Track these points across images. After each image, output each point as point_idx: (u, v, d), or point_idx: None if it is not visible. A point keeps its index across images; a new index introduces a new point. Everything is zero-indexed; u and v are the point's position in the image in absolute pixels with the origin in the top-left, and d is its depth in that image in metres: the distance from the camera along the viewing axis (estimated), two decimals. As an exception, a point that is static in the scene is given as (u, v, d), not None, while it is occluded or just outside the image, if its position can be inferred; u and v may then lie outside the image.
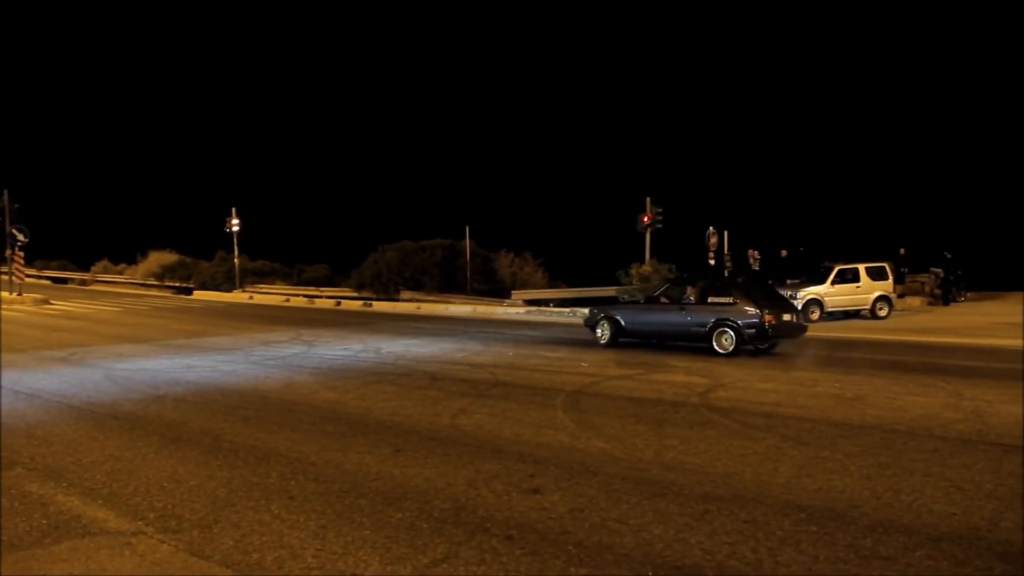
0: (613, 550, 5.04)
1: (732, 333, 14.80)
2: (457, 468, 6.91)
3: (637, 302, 18.91)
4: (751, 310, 14.87)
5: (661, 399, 10.24)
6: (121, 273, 46.03)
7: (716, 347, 14.94)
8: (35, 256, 44.14)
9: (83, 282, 46.51)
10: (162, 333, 19.44)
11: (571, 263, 34.50)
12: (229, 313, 26.77)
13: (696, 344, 15.57)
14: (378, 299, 30.54)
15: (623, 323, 16.66)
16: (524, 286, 30.54)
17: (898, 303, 22.74)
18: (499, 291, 29.75)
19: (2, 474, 6.87)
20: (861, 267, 21.80)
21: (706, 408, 9.60)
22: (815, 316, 21.13)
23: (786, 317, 15.41)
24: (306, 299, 32.66)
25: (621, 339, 16.63)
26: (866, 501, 5.94)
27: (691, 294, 16.16)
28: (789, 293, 21.66)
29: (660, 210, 27.36)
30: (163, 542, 5.24)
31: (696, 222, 28.62)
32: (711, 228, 26.36)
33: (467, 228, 30.67)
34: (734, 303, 15.21)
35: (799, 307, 21.08)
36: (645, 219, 27.04)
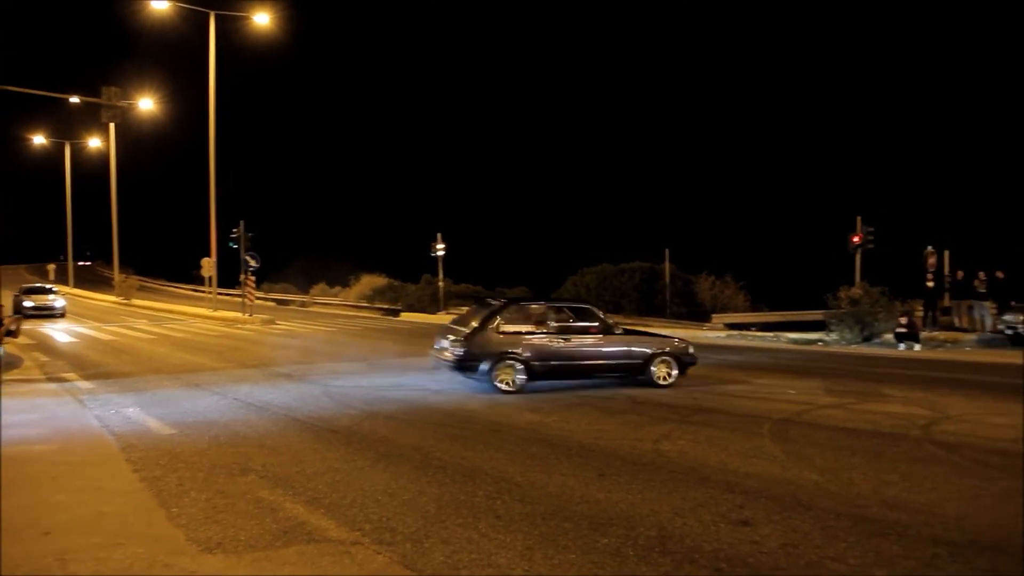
0: (832, 591, 4.76)
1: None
2: (662, 495, 6.80)
3: None
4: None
5: (878, 431, 9.61)
6: (336, 296, 49.11)
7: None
8: (263, 280, 48.00)
9: (303, 304, 50.03)
10: (373, 352, 20.52)
11: (775, 286, 33.28)
12: (434, 334, 27.83)
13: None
14: (576, 322, 30.72)
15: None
16: (725, 309, 29.79)
17: None
18: (699, 314, 29.19)
19: (237, 480, 7.48)
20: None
21: (930, 442, 8.90)
22: (1050, 343, 19.13)
23: None
24: (506, 321, 33.40)
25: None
26: None
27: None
28: (1012, 317, 19.80)
29: (872, 229, 25.92)
30: (379, 553, 5.48)
31: (913, 241, 26.76)
32: (929, 248, 24.46)
33: (667, 251, 30.36)
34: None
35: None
36: (855, 239, 25.69)
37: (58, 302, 37.25)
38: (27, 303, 35.75)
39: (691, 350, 14.09)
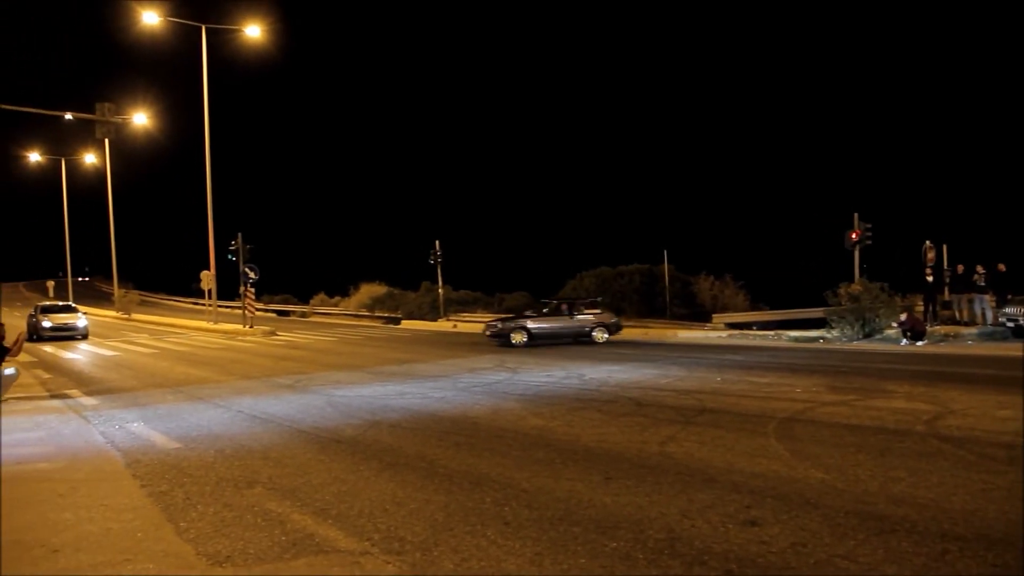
0: (843, 589, 4.75)
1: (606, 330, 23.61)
2: (669, 497, 6.79)
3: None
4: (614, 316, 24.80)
5: (883, 427, 9.60)
6: (336, 305, 49.12)
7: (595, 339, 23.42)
8: (262, 291, 47.98)
9: (303, 314, 50.06)
10: (374, 361, 20.52)
11: (774, 285, 33.26)
12: (435, 341, 27.87)
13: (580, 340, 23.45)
14: (577, 325, 30.74)
15: (532, 329, 23.46)
16: (725, 309, 29.78)
17: None
18: (699, 315, 29.19)
19: (244, 492, 7.48)
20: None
21: (935, 437, 8.89)
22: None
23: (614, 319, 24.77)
24: (507, 326, 33.39)
25: (531, 342, 23.20)
26: None
27: (570, 309, 23.89)
28: (1013, 309, 19.82)
29: (869, 226, 25.90)
30: (388, 563, 5.48)
31: (911, 237, 26.80)
32: (928, 242, 24.46)
33: (665, 252, 30.37)
34: (602, 312, 24.22)
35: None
36: (853, 236, 25.65)
37: (80, 321, 32.92)
38: (45, 323, 31.72)
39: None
